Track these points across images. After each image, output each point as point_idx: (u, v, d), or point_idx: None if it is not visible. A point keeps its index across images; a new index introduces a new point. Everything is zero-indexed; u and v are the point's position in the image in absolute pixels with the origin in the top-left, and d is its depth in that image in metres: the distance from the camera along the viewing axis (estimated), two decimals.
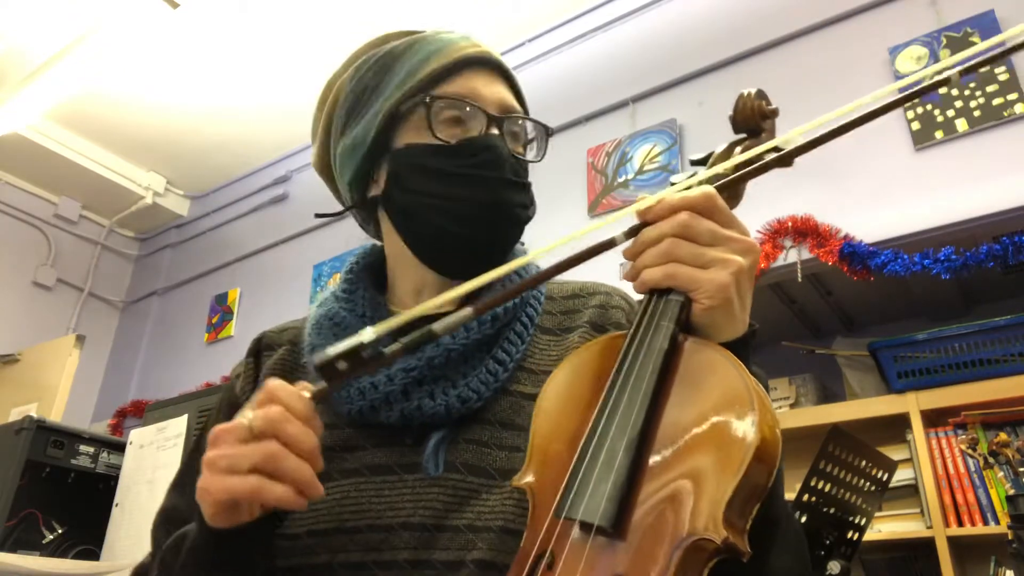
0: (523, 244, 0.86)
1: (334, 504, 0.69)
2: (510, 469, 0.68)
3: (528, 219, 0.81)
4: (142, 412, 3.75)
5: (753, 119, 0.72)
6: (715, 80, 2.84)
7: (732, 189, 0.66)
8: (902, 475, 2.09)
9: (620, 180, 2.88)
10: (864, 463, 1.75)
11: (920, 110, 2.31)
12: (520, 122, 0.81)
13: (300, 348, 0.82)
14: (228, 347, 3.90)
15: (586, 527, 0.52)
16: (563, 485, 0.55)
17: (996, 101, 2.20)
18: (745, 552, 0.50)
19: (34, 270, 4.27)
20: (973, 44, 2.30)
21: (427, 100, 0.77)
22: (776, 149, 0.64)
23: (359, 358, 0.52)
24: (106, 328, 4.56)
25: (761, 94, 0.73)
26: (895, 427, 2.19)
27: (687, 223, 0.59)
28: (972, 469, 2.03)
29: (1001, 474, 1.97)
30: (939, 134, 2.26)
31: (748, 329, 0.62)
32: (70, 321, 4.35)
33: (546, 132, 0.84)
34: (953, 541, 1.98)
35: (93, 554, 2.25)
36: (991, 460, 1.98)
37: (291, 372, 0.81)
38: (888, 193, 2.28)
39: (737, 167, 0.64)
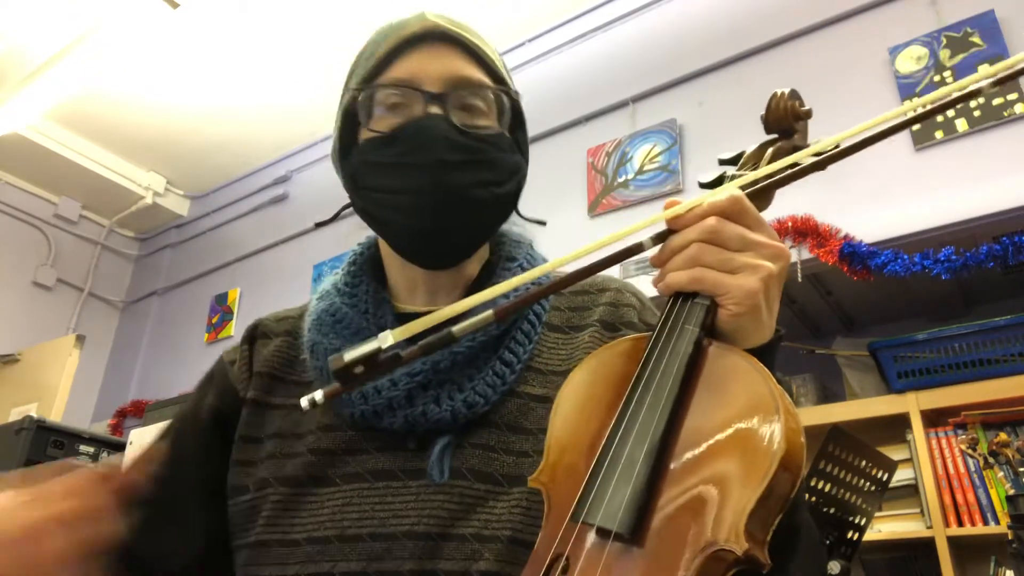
0: (519, 226, 0.83)
1: (335, 510, 0.67)
2: (518, 475, 0.66)
3: (499, 197, 0.75)
4: (142, 412, 3.76)
5: (786, 119, 0.71)
6: (715, 80, 2.84)
7: (765, 193, 0.65)
8: (902, 475, 2.09)
9: (620, 180, 2.87)
10: (864, 463, 1.75)
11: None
12: (475, 91, 0.74)
13: (298, 342, 0.79)
14: (228, 347, 3.88)
15: (603, 533, 0.51)
16: (581, 489, 0.53)
17: (996, 101, 2.20)
18: (765, 564, 0.48)
19: (34, 270, 4.27)
20: (973, 44, 2.31)
21: (370, 92, 0.74)
22: (815, 155, 0.62)
23: (375, 362, 0.51)
24: (106, 328, 4.56)
25: (795, 94, 0.71)
26: (895, 427, 2.19)
27: (715, 228, 0.57)
28: (972, 469, 2.03)
29: (1001, 474, 1.97)
30: (939, 134, 2.26)
31: (774, 335, 0.60)
32: (70, 321, 4.35)
33: (508, 95, 0.77)
34: (953, 541, 1.98)
35: None
36: (991, 460, 1.98)
37: (288, 365, 0.79)
38: (888, 193, 2.28)
39: (773, 172, 0.62)
